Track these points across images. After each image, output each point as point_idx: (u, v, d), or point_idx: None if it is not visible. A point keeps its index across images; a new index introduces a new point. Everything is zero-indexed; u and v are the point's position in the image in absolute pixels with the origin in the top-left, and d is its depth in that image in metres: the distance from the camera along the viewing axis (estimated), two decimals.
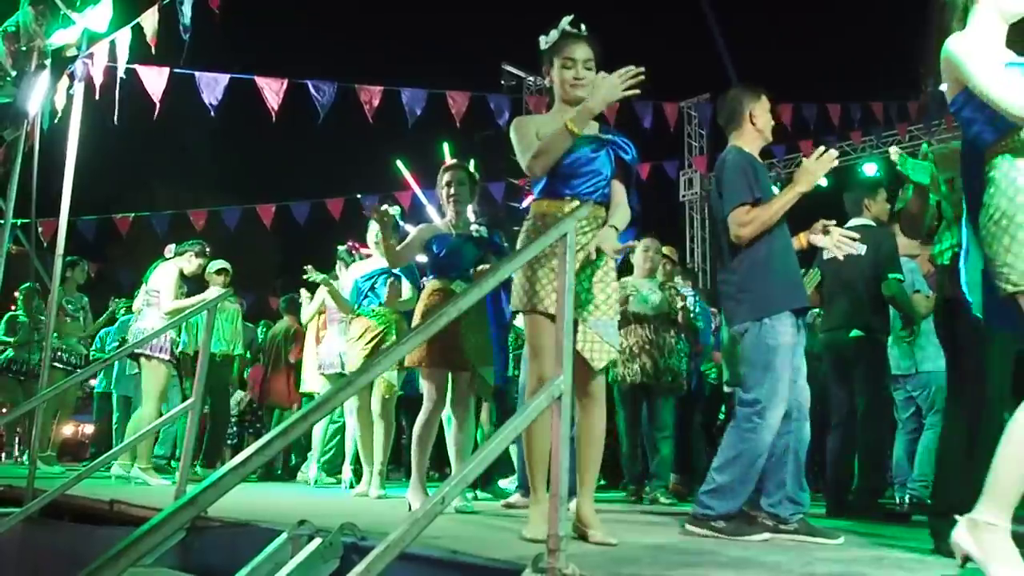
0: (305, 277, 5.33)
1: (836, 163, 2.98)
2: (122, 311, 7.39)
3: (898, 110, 10.39)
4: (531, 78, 14.35)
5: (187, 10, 4.40)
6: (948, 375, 3.05)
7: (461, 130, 7.09)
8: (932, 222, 3.15)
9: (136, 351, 5.19)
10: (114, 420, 6.98)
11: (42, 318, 5.89)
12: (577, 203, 2.68)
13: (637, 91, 2.62)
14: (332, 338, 5.50)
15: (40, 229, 6.70)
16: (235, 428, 8.37)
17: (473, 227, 3.91)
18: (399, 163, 10.31)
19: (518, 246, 2.80)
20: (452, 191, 3.88)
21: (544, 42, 2.85)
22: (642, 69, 2.58)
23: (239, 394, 8.27)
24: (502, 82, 14.40)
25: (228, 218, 9.28)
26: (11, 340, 6.97)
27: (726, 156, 3.08)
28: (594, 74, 2.75)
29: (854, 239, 3.10)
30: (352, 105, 6.41)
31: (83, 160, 4.49)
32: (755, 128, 3.12)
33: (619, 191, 2.85)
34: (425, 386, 3.71)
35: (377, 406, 4.67)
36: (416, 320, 3.86)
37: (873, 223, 4.31)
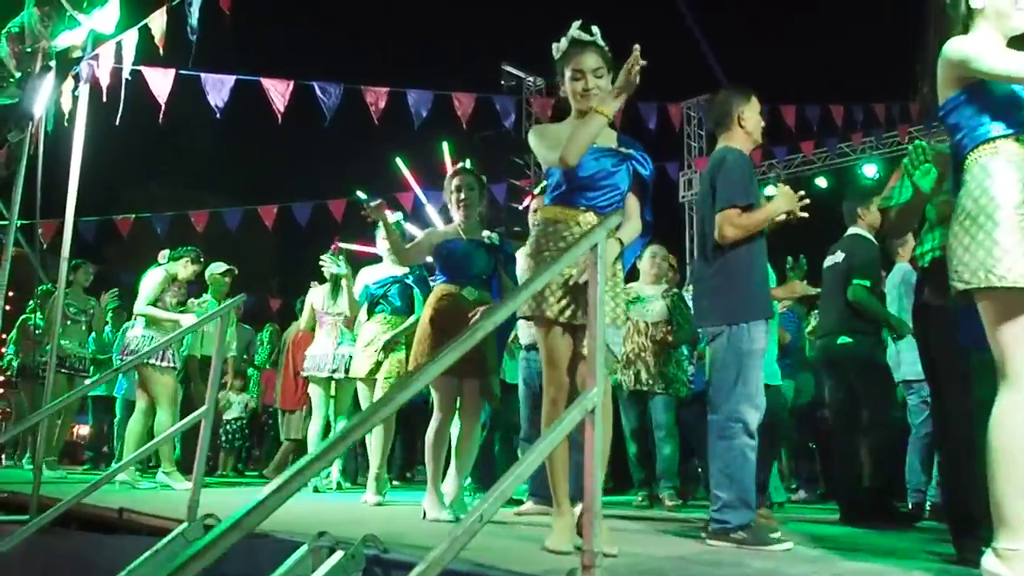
0: (322, 265, 5.11)
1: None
2: (111, 311, 7.32)
3: (900, 111, 10.39)
4: (531, 78, 14.30)
5: (195, 11, 4.34)
6: (927, 380, 3.04)
7: (467, 132, 7.06)
8: (914, 226, 3.13)
9: (139, 363, 5.17)
10: (116, 423, 6.93)
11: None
12: (591, 215, 2.66)
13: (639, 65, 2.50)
14: (320, 340, 5.35)
15: (41, 230, 6.63)
16: (247, 431, 8.34)
17: (485, 233, 3.89)
18: (398, 160, 10.29)
19: (527, 251, 2.77)
20: (462, 196, 3.85)
21: (556, 50, 2.80)
22: (637, 46, 2.47)
23: (244, 396, 8.23)
24: (502, 82, 14.34)
25: (230, 219, 9.23)
26: (17, 362, 6.98)
27: (726, 155, 3.04)
28: (605, 81, 2.70)
29: (803, 197, 3.09)
30: (358, 106, 6.37)
31: (86, 161, 4.44)
32: (744, 131, 3.10)
33: (632, 205, 2.83)
34: (434, 395, 3.66)
35: None
36: (424, 322, 3.78)
37: (867, 232, 4.33)
